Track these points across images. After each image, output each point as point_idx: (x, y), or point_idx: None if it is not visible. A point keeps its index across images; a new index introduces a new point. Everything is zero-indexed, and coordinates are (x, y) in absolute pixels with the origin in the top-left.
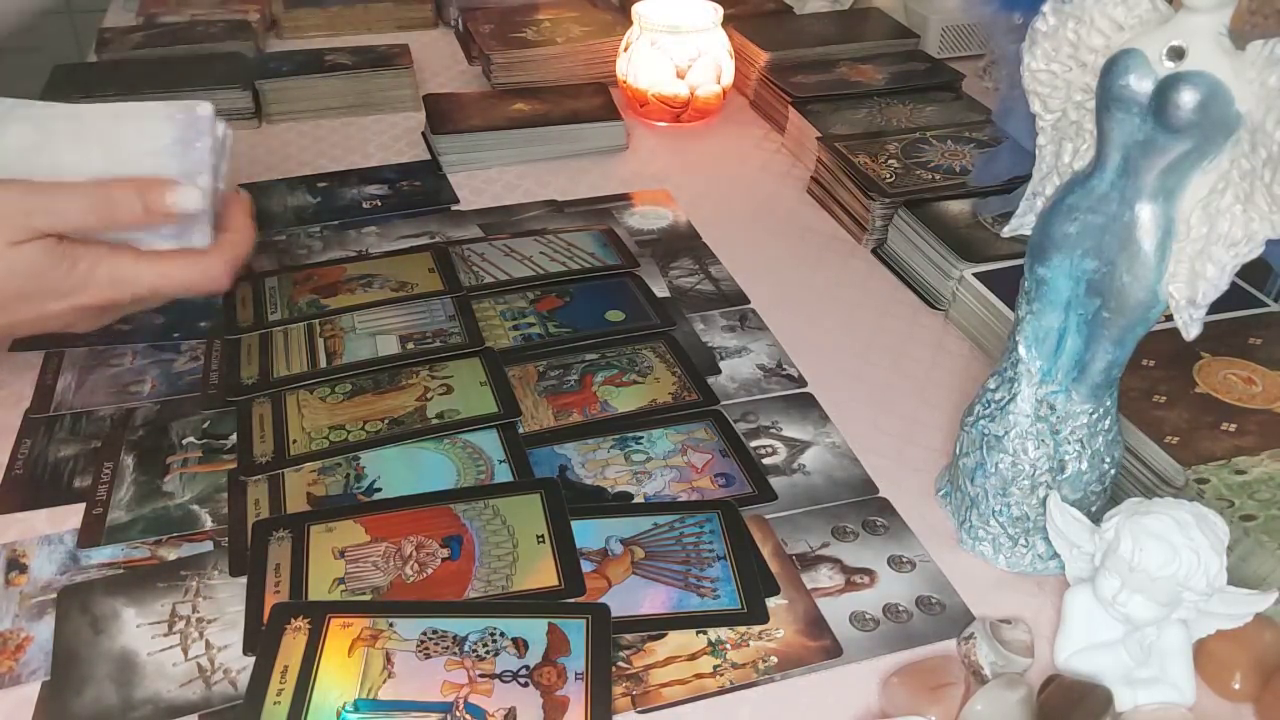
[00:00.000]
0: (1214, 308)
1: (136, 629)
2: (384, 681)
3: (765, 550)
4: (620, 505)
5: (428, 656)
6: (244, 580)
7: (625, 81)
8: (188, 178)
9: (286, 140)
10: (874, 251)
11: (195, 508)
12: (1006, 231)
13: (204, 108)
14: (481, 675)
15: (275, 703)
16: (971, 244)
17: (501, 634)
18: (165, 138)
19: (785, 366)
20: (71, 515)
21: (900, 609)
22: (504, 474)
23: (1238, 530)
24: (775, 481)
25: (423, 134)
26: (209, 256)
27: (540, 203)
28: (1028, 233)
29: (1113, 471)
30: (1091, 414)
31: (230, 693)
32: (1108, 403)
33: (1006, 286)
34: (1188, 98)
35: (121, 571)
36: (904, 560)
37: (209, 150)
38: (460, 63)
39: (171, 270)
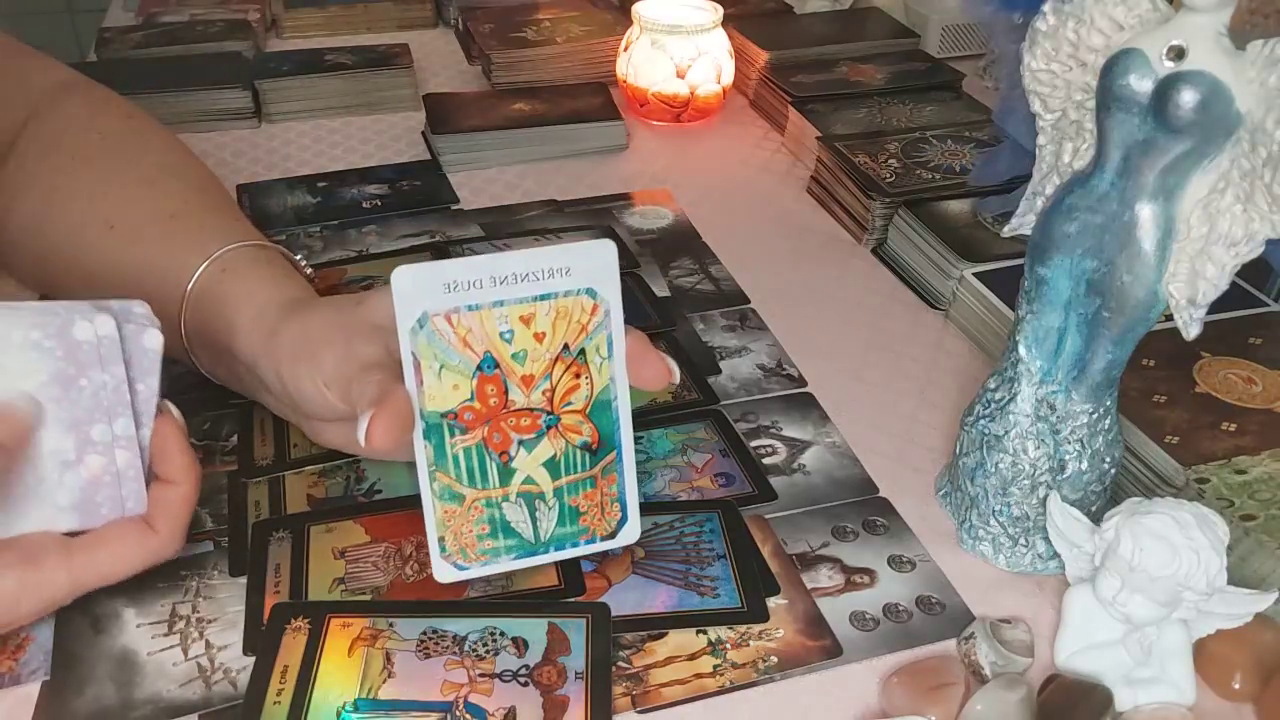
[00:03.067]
0: (1214, 308)
1: (136, 629)
2: (384, 681)
3: (765, 550)
4: None
5: (428, 656)
6: (244, 580)
7: (625, 81)
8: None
9: (286, 140)
10: (874, 251)
11: (195, 508)
12: (1006, 231)
13: (91, 326)
14: (481, 675)
15: (275, 703)
16: (971, 244)
17: (501, 634)
18: (41, 374)
19: (785, 366)
20: None
21: (900, 609)
22: None
23: (1238, 530)
24: (775, 481)
25: (423, 134)
26: (149, 530)
27: (540, 202)
28: (1028, 233)
29: (1113, 471)
30: (1091, 414)
31: (230, 693)
32: (1108, 403)
33: (1006, 286)
34: (1188, 97)
35: None
36: (904, 560)
37: (107, 387)
38: (460, 63)
39: (101, 562)
